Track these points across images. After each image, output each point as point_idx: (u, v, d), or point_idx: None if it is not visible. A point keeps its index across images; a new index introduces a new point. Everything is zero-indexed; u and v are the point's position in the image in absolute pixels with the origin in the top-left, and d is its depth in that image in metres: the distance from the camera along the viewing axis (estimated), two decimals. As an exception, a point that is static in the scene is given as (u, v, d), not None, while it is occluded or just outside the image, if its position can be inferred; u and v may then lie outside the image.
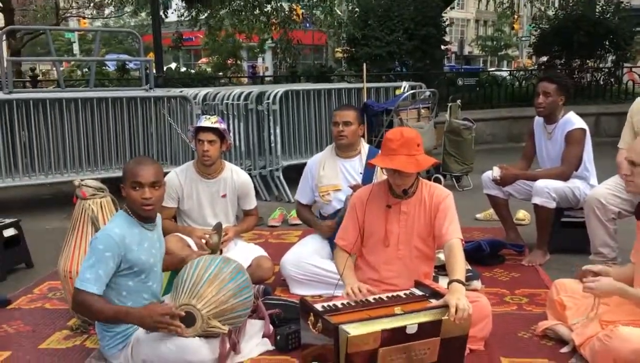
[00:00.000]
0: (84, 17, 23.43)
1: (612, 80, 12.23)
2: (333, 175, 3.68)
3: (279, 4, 11.81)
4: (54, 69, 8.27)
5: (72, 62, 14.91)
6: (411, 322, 2.41)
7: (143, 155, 5.73)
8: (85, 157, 5.96)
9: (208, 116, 3.69)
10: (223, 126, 3.63)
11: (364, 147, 3.76)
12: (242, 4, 11.67)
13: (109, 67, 14.52)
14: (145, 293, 2.74)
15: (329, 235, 3.66)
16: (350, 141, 3.65)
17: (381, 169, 2.85)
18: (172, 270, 3.08)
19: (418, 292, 2.75)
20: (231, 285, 2.68)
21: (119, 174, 6.04)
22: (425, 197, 2.88)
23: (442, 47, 12.13)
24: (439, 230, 2.82)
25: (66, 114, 5.80)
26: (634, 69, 12.43)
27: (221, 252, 3.60)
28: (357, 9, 11.72)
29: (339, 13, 12.29)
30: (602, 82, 12.13)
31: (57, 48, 29.88)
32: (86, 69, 12.55)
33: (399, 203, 2.89)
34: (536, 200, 3.98)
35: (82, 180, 3.33)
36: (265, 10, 12.02)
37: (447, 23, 12.20)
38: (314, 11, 11.60)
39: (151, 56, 8.93)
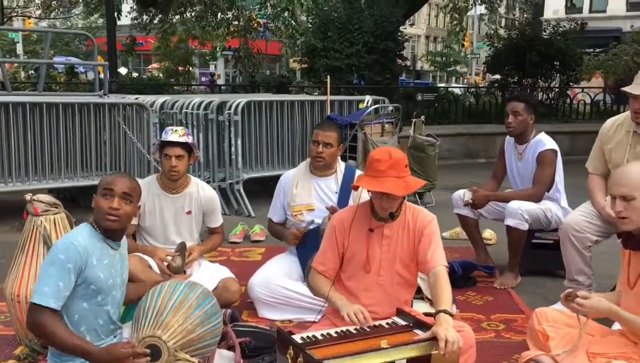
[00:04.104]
0: (29, 17, 22.56)
1: (562, 99, 12.54)
2: (306, 194, 3.51)
3: (240, 11, 11.58)
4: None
5: (16, 64, 14.18)
6: (400, 357, 2.27)
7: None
8: (32, 166, 5.57)
9: (175, 128, 3.43)
10: (192, 140, 3.40)
11: (340, 165, 3.60)
12: (204, 9, 11.39)
13: (57, 69, 13.91)
14: (100, 318, 2.51)
15: (295, 243, 3.50)
16: (327, 163, 3.49)
17: (368, 191, 2.68)
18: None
19: (401, 322, 2.60)
20: (198, 312, 2.47)
21: (69, 184, 5.83)
22: (409, 221, 2.73)
23: (400, 61, 12.18)
24: (423, 256, 2.68)
25: (12, 119, 5.41)
26: (578, 89, 12.76)
27: (185, 273, 3.38)
28: (316, 20, 11.63)
29: (304, 20, 12.13)
30: (553, 102, 12.41)
31: (-1, 48, 28.68)
32: (32, 71, 11.97)
33: (381, 226, 2.73)
34: (509, 221, 3.92)
35: (33, 194, 3.05)
36: (227, 17, 11.77)
37: (405, 38, 12.26)
38: (274, 22, 11.41)
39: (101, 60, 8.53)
